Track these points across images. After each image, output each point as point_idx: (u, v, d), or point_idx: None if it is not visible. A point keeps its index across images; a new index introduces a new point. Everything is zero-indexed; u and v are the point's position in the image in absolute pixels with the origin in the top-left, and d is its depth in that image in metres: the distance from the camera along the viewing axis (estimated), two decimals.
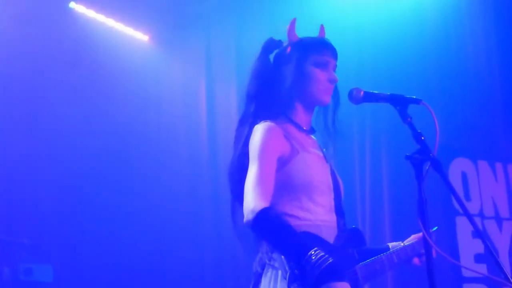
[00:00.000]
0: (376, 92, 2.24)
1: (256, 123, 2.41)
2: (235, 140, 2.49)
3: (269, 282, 2.24)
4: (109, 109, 5.27)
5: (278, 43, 2.54)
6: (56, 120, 5.01)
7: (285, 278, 2.16)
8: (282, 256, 2.20)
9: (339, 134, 2.54)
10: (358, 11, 5.47)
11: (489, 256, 1.97)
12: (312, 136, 2.55)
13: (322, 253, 2.08)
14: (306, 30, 2.55)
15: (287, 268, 2.17)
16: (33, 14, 4.87)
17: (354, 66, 5.24)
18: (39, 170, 4.86)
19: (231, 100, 5.53)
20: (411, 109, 2.13)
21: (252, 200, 2.21)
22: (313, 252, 2.09)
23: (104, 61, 5.34)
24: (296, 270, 2.12)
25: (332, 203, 2.42)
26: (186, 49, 5.74)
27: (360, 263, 2.34)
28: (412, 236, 2.56)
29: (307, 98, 2.47)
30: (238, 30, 5.64)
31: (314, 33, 2.56)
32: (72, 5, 5.27)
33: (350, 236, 2.42)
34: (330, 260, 2.07)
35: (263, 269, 2.29)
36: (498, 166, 5.52)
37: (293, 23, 2.52)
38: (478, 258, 5.09)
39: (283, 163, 2.34)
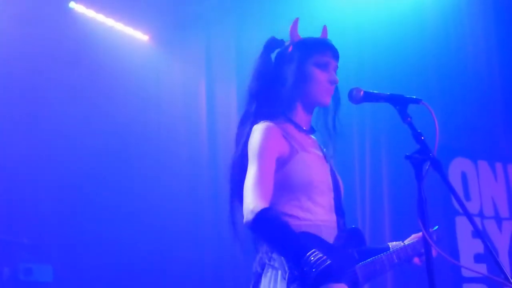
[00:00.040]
0: (376, 92, 2.24)
1: (256, 122, 2.41)
2: (236, 139, 2.49)
3: (269, 282, 2.24)
4: (109, 109, 5.27)
5: (280, 42, 2.54)
6: (56, 120, 5.01)
7: (285, 279, 2.17)
8: (282, 257, 2.21)
9: (340, 135, 2.54)
10: (358, 11, 5.47)
11: (489, 256, 1.97)
12: (312, 136, 2.56)
13: (320, 255, 2.09)
14: (306, 30, 2.55)
15: (286, 268, 2.17)
16: (33, 14, 4.87)
17: (354, 66, 5.24)
18: (39, 170, 4.85)
19: (231, 100, 5.53)
20: (411, 109, 2.13)
21: (252, 200, 2.21)
22: (311, 254, 2.09)
23: (104, 61, 5.34)
24: (295, 271, 2.12)
25: (332, 202, 2.42)
26: (186, 49, 5.74)
27: (360, 263, 2.34)
28: (413, 236, 2.56)
29: (307, 99, 2.47)
30: (238, 30, 5.64)
31: (313, 33, 2.56)
32: (72, 5, 5.27)
33: (350, 236, 2.42)
34: (328, 262, 2.07)
35: (263, 269, 2.29)
36: (498, 166, 5.52)
37: (295, 22, 2.52)
38: (478, 258, 5.09)
39: (282, 163, 2.34)
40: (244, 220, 2.22)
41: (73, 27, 5.24)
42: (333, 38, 2.58)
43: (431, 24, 5.56)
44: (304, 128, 2.49)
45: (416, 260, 2.53)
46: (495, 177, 5.49)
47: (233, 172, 2.43)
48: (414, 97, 2.14)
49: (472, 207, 5.27)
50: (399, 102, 2.14)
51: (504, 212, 5.42)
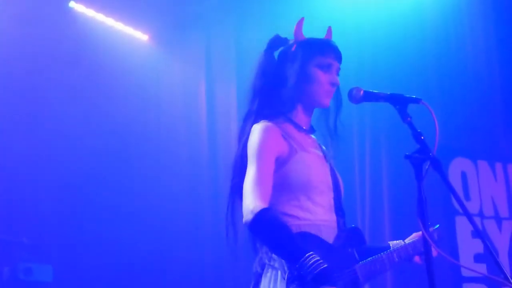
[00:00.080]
0: (376, 91, 2.24)
1: (257, 121, 2.41)
2: (238, 136, 2.49)
3: (269, 283, 2.24)
4: (109, 109, 5.26)
5: (284, 41, 2.54)
6: (56, 120, 5.00)
7: (284, 279, 2.17)
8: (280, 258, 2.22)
9: (341, 137, 2.54)
10: (358, 11, 5.47)
11: (488, 255, 1.97)
12: (312, 136, 2.56)
13: (317, 258, 2.09)
14: (306, 30, 2.55)
15: (286, 268, 2.18)
16: (32, 13, 4.87)
17: (354, 66, 5.24)
18: (39, 170, 4.85)
19: (231, 100, 5.53)
20: (411, 108, 2.13)
21: (252, 201, 2.21)
22: (308, 256, 2.10)
23: (103, 60, 5.33)
24: (295, 271, 2.13)
25: (332, 202, 2.42)
26: (186, 49, 5.74)
27: (360, 262, 2.34)
28: (414, 234, 2.55)
29: (307, 99, 2.48)
30: (238, 30, 5.64)
31: (313, 32, 2.56)
32: (72, 4, 5.27)
33: (350, 236, 2.42)
34: (323, 266, 2.08)
35: (263, 269, 2.30)
36: (498, 166, 5.52)
37: (300, 22, 2.53)
38: (477, 258, 5.09)
39: (281, 163, 2.34)
40: (244, 220, 2.23)
41: (73, 26, 5.24)
42: (333, 38, 2.58)
43: (431, 24, 5.56)
44: (304, 128, 2.49)
45: (416, 259, 2.53)
46: (495, 177, 5.49)
47: (234, 172, 2.44)
48: (414, 96, 2.14)
49: (472, 207, 5.27)
50: (399, 102, 2.14)
51: (504, 212, 5.42)
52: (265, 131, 2.35)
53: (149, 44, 5.77)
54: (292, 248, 2.15)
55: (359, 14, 5.46)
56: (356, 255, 2.36)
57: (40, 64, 4.92)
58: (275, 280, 2.23)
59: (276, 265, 2.24)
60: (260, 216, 2.18)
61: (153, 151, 5.44)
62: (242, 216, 2.26)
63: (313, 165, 2.39)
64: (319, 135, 2.58)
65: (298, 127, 2.47)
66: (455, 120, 5.37)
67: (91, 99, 5.20)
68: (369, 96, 2.25)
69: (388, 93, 2.20)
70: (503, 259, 5.17)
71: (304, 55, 2.46)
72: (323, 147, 2.57)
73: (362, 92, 2.25)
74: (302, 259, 2.10)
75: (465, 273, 5.08)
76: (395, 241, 2.54)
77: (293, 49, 2.50)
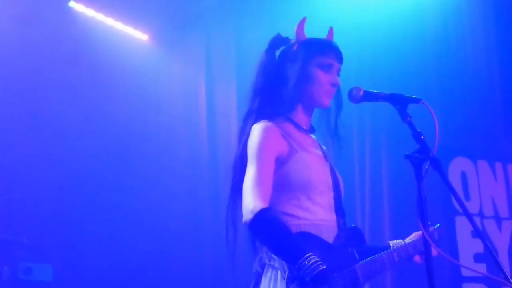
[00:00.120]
0: (375, 91, 2.25)
1: (257, 121, 2.42)
2: (238, 136, 2.49)
3: (269, 282, 2.25)
4: (108, 108, 5.26)
5: (285, 40, 2.55)
6: (56, 120, 5.00)
7: (284, 278, 2.17)
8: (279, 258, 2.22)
9: (342, 137, 2.55)
10: (358, 11, 5.47)
11: (488, 255, 1.97)
12: (312, 136, 2.56)
13: (316, 259, 2.10)
14: (306, 30, 2.56)
15: (286, 268, 2.18)
16: (32, 13, 4.86)
17: (354, 66, 5.24)
18: (39, 169, 4.85)
19: (231, 100, 5.52)
20: (411, 108, 2.13)
21: (251, 201, 2.22)
22: (306, 257, 2.10)
23: (103, 60, 5.33)
24: (294, 271, 2.13)
25: (332, 202, 2.42)
26: (185, 49, 5.74)
27: (360, 262, 2.34)
28: (414, 234, 2.55)
29: (308, 99, 2.48)
30: (238, 30, 5.63)
31: (313, 32, 2.57)
32: (72, 4, 5.26)
33: (349, 235, 2.42)
34: (322, 267, 2.08)
35: (263, 269, 2.30)
36: (498, 165, 5.52)
37: (302, 22, 2.53)
38: (477, 258, 5.09)
39: (281, 162, 2.35)
40: (244, 219, 2.24)
41: (73, 26, 5.23)
42: (333, 38, 2.58)
43: (431, 24, 5.56)
44: (304, 127, 2.50)
45: (417, 258, 2.53)
46: (494, 176, 5.49)
47: (234, 172, 2.44)
48: (414, 96, 2.14)
49: (472, 206, 5.27)
50: (399, 102, 2.15)
51: (503, 212, 5.42)
52: (265, 131, 2.36)
53: (149, 44, 5.76)
54: (291, 249, 2.15)
55: (359, 14, 5.46)
56: (356, 255, 2.37)
57: (40, 64, 4.92)
58: (275, 280, 2.23)
59: (276, 264, 2.24)
60: (260, 216, 2.19)
61: (153, 151, 5.44)
62: (242, 216, 2.26)
63: (313, 165, 2.39)
64: (319, 135, 2.58)
65: (298, 127, 2.48)
66: (455, 120, 5.37)
67: (91, 99, 5.20)
68: (369, 96, 2.25)
69: (388, 93, 2.20)
70: (503, 259, 5.17)
71: (305, 55, 2.46)
72: (323, 147, 2.58)
73: (362, 92, 2.25)
74: (301, 259, 2.10)
75: (465, 272, 5.08)
76: (395, 241, 2.54)
77: (294, 48, 2.50)
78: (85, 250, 4.90)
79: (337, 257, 2.29)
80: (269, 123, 2.39)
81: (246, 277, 2.43)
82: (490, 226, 5.32)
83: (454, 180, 5.25)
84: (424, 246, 2.01)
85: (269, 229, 2.20)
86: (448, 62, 5.53)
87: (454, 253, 5.04)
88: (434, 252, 2.11)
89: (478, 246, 5.07)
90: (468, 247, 5.11)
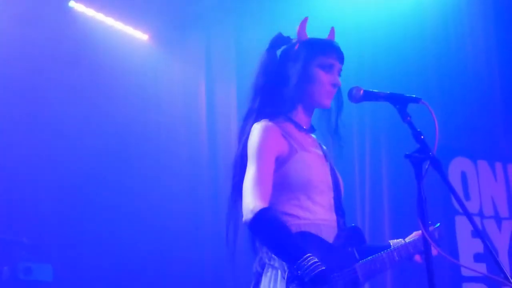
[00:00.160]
0: (375, 91, 2.25)
1: (257, 120, 2.42)
2: (238, 136, 2.49)
3: (269, 282, 2.25)
4: (108, 108, 5.26)
5: (287, 39, 2.55)
6: (55, 119, 5.00)
7: (284, 278, 2.17)
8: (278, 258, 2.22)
9: (342, 137, 2.55)
10: (358, 11, 5.47)
11: (488, 255, 1.97)
12: (312, 135, 2.56)
13: (315, 260, 2.10)
14: (306, 30, 2.55)
15: (286, 268, 2.18)
16: (32, 13, 4.86)
17: (354, 66, 5.24)
18: (39, 169, 4.85)
19: (231, 100, 5.52)
20: (411, 108, 2.13)
21: (251, 200, 2.22)
22: (306, 258, 2.10)
23: (103, 60, 5.33)
24: (294, 272, 2.13)
25: (332, 202, 2.42)
26: (185, 49, 5.74)
27: (360, 261, 2.34)
28: (414, 233, 2.55)
29: (308, 99, 2.48)
30: (238, 30, 5.63)
31: (313, 32, 2.57)
32: (72, 4, 5.26)
33: (350, 235, 2.42)
34: (321, 268, 2.08)
35: (263, 269, 2.30)
36: (498, 165, 5.52)
37: (304, 21, 2.53)
38: (477, 258, 5.09)
39: (281, 162, 2.35)
40: (243, 219, 2.24)
41: (73, 26, 5.23)
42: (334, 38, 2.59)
43: (431, 24, 5.56)
44: (304, 127, 2.50)
45: (417, 257, 2.53)
46: (494, 176, 5.49)
47: (234, 171, 2.44)
48: (414, 96, 2.14)
49: (472, 206, 5.27)
50: (399, 101, 2.15)
51: (503, 211, 5.42)
52: (265, 131, 2.36)
53: (149, 44, 5.76)
54: (291, 249, 2.15)
55: (359, 14, 5.46)
56: (356, 254, 2.37)
57: (40, 64, 4.92)
58: (275, 279, 2.23)
59: (276, 264, 2.24)
60: (260, 216, 2.19)
61: (153, 151, 5.44)
62: (242, 216, 2.26)
63: (313, 165, 2.39)
64: (319, 135, 2.59)
65: (298, 126, 2.48)
66: (455, 119, 5.37)
67: (91, 99, 5.20)
68: (369, 96, 2.25)
69: (388, 92, 2.20)
70: (503, 259, 5.17)
71: (306, 55, 2.46)
72: (324, 147, 2.58)
73: (362, 91, 2.25)
74: (300, 260, 2.10)
75: (465, 272, 5.08)
76: (395, 240, 2.54)
77: (295, 48, 2.50)
78: (85, 250, 4.89)
79: (337, 256, 2.29)
80: (269, 123, 2.39)
81: (246, 277, 2.43)
82: (490, 226, 5.32)
83: (454, 180, 5.25)
84: (424, 245, 2.01)
85: (269, 229, 2.20)
86: (448, 62, 5.53)
87: (454, 253, 5.04)
88: (434, 251, 2.11)
89: (478, 246, 5.07)
90: (468, 247, 5.11)
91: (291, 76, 2.45)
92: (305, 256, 2.11)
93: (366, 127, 5.39)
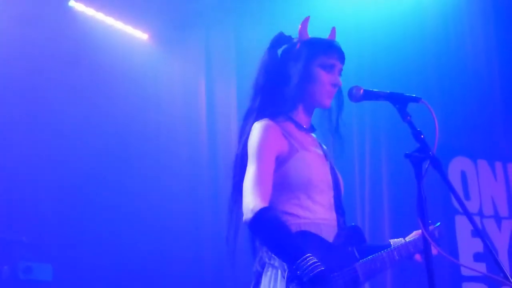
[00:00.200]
0: (375, 90, 2.25)
1: (258, 120, 2.42)
2: (239, 135, 2.49)
3: (269, 281, 2.25)
4: (108, 108, 5.26)
5: (288, 39, 2.55)
6: (55, 119, 5.00)
7: (284, 277, 2.17)
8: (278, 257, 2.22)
9: (343, 137, 2.55)
10: (358, 11, 5.47)
11: (488, 255, 1.97)
12: (313, 135, 2.56)
13: (314, 260, 2.10)
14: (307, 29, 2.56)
15: (286, 267, 2.18)
16: (32, 12, 4.86)
17: (354, 66, 5.24)
18: (38, 169, 4.85)
19: (231, 99, 5.52)
20: (411, 107, 2.13)
21: (252, 200, 2.22)
22: (305, 258, 2.10)
23: (103, 59, 5.32)
24: (295, 272, 2.13)
25: (332, 201, 2.42)
26: (185, 48, 5.74)
27: (360, 261, 2.34)
28: (414, 232, 2.55)
29: (309, 99, 2.48)
30: (237, 29, 5.64)
31: (312, 31, 2.57)
32: (72, 3, 5.27)
33: (350, 234, 2.42)
34: (320, 268, 2.08)
35: (263, 268, 2.30)
36: (498, 165, 5.51)
37: (306, 21, 2.53)
38: (477, 257, 5.09)
39: (281, 161, 2.35)
40: (244, 218, 2.24)
41: (73, 25, 5.23)
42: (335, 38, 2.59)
43: (431, 23, 5.56)
44: (304, 126, 2.50)
45: (417, 257, 2.53)
46: (494, 176, 5.48)
47: (235, 170, 2.44)
48: (414, 95, 2.14)
49: (472, 206, 5.27)
50: (399, 101, 2.15)
51: (503, 211, 5.41)
52: (266, 130, 2.36)
53: (148, 43, 5.76)
54: (290, 249, 2.15)
55: (359, 14, 5.46)
56: (356, 254, 2.36)
57: (40, 64, 4.91)
58: (275, 279, 2.23)
59: (276, 264, 2.24)
60: (260, 215, 2.19)
61: (153, 151, 5.44)
62: (242, 215, 2.26)
63: (313, 164, 2.39)
64: (319, 134, 2.59)
65: (298, 126, 2.48)
66: (455, 119, 5.37)
67: (90, 98, 5.19)
68: (369, 95, 2.25)
69: (388, 91, 2.20)
70: (503, 258, 5.16)
71: (308, 54, 2.46)
72: (324, 146, 2.58)
73: (362, 91, 2.26)
74: (299, 260, 2.10)
75: (464, 272, 5.07)
76: (395, 239, 2.54)
77: (297, 47, 2.50)
78: (85, 250, 4.90)
79: (337, 256, 2.29)
80: (270, 122, 2.39)
81: (246, 276, 2.43)
82: (490, 226, 5.32)
83: (454, 179, 5.25)
84: (424, 245, 2.01)
85: (269, 228, 2.20)
86: (448, 61, 5.52)
87: (454, 252, 5.04)
88: (434, 251, 2.11)
89: (478, 245, 5.07)
90: (468, 246, 5.11)
91: (292, 76, 2.46)
92: (304, 256, 2.11)
93: (366, 127, 5.39)
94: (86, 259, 4.88)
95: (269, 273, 2.27)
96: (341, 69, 2.51)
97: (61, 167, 4.95)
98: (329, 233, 2.35)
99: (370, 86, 2.30)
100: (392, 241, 2.53)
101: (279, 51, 2.56)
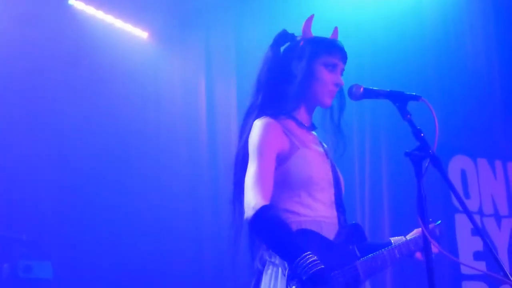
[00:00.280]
0: (375, 88, 2.25)
1: (259, 117, 2.42)
2: (240, 132, 2.50)
3: (270, 279, 2.25)
4: (108, 107, 5.25)
5: (291, 36, 2.55)
6: (55, 119, 5.00)
7: (285, 275, 2.18)
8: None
9: (345, 136, 2.55)
10: (358, 10, 5.47)
11: (488, 253, 1.98)
12: (313, 132, 2.57)
13: (313, 258, 2.10)
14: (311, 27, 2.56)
15: (286, 265, 2.18)
16: (32, 11, 4.86)
17: (354, 64, 5.23)
18: (38, 168, 4.85)
19: (231, 98, 5.52)
20: (411, 106, 2.13)
21: (253, 198, 2.22)
22: (305, 256, 2.10)
23: (103, 57, 5.31)
24: (295, 270, 2.13)
25: (333, 199, 2.43)
26: (185, 47, 5.73)
27: (361, 259, 2.34)
28: (415, 230, 2.55)
29: (311, 97, 2.48)
30: (237, 28, 5.63)
31: (312, 31, 2.56)
32: (72, 1, 5.26)
33: (350, 232, 2.42)
34: (320, 267, 2.08)
35: (263, 266, 2.30)
36: (498, 164, 5.52)
37: (310, 19, 2.53)
38: (477, 256, 5.09)
39: (282, 159, 2.35)
40: (245, 216, 2.24)
41: (73, 24, 5.23)
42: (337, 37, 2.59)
43: (430, 23, 5.56)
44: (305, 125, 2.50)
45: (418, 255, 2.53)
46: (494, 175, 5.48)
47: (235, 168, 2.44)
48: (414, 94, 2.14)
49: (472, 204, 5.27)
50: (399, 99, 2.15)
51: (503, 210, 5.42)
52: (266, 127, 2.36)
53: (148, 42, 5.75)
54: (290, 247, 2.15)
55: (359, 13, 5.46)
56: (357, 252, 2.36)
57: (40, 63, 4.91)
58: (276, 277, 2.23)
59: (277, 261, 2.24)
60: (261, 213, 2.19)
61: (153, 150, 5.43)
62: (243, 213, 2.26)
63: (314, 162, 2.39)
64: (320, 132, 2.59)
65: (299, 123, 2.48)
66: (455, 117, 5.37)
67: (90, 98, 5.19)
68: (369, 93, 2.26)
69: (388, 90, 2.20)
70: (503, 257, 5.16)
71: (311, 53, 2.46)
72: (324, 144, 2.58)
73: (362, 89, 2.26)
74: (299, 258, 2.10)
75: (464, 270, 5.08)
76: (396, 237, 2.54)
77: (300, 45, 2.50)
78: (85, 248, 4.89)
79: (338, 254, 2.29)
80: (271, 120, 2.39)
81: (247, 276, 2.43)
82: (490, 224, 5.32)
83: (454, 178, 5.25)
84: (424, 244, 2.01)
85: (269, 226, 2.20)
86: (448, 60, 5.53)
87: (454, 251, 5.04)
88: (435, 249, 2.11)
89: (477, 244, 5.08)
90: (467, 245, 5.11)
91: (295, 73, 2.46)
92: (304, 255, 2.11)
93: (366, 125, 5.39)
94: (86, 258, 4.88)
95: (269, 271, 2.27)
96: (343, 69, 2.52)
97: (61, 166, 4.95)
98: (330, 231, 2.35)
99: (370, 84, 2.30)
100: (392, 239, 2.53)
101: (282, 49, 2.56)
